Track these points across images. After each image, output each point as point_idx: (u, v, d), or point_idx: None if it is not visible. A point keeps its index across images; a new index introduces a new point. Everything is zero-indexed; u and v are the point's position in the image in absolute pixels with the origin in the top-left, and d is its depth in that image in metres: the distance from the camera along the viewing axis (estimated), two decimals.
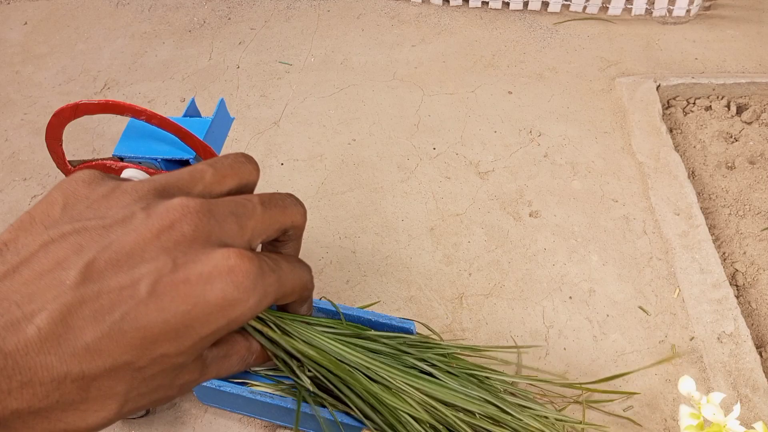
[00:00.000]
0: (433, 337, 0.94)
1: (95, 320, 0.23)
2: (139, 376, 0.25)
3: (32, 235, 0.25)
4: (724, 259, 1.08)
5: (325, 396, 0.77)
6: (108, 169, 0.86)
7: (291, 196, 0.32)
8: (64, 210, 0.26)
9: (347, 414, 0.81)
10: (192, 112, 0.94)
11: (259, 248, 0.32)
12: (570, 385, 0.88)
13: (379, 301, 1.02)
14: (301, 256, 0.34)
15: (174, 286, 0.25)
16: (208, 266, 0.26)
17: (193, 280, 0.25)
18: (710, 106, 1.36)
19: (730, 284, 1.03)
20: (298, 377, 0.60)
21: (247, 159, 0.32)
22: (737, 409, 0.66)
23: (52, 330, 0.23)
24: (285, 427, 0.87)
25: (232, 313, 0.26)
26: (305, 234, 1.05)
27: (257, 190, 0.32)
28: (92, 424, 0.25)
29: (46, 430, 0.24)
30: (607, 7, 1.56)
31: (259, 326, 0.45)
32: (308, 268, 0.33)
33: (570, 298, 1.02)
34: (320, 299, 0.95)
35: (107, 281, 0.24)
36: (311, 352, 0.65)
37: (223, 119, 0.92)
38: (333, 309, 0.90)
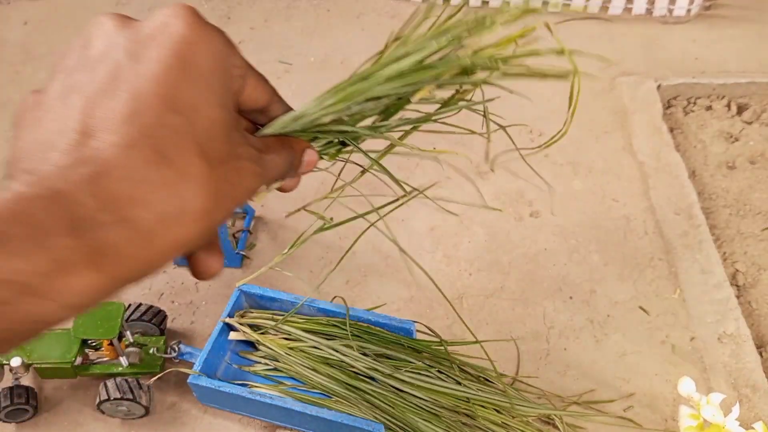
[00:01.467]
0: (433, 337, 0.94)
1: (116, 98, 0.24)
2: (200, 138, 0.24)
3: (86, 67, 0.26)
4: (725, 259, 1.08)
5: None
6: None
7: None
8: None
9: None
10: None
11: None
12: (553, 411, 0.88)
13: (384, 304, 1.02)
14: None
15: (141, 43, 0.25)
16: (155, 18, 0.27)
17: (153, 32, 0.26)
18: (711, 106, 1.35)
19: (731, 284, 1.03)
20: None
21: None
22: (736, 410, 0.66)
23: (88, 124, 0.23)
24: (285, 427, 0.87)
25: (212, 46, 0.27)
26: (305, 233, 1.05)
27: None
28: (195, 194, 0.23)
29: (161, 209, 0.22)
30: (608, 7, 1.56)
31: None
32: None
33: (571, 298, 1.02)
34: (331, 300, 0.95)
35: (97, 77, 0.25)
36: None
37: None
38: (334, 309, 0.90)
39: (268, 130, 0.34)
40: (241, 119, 0.32)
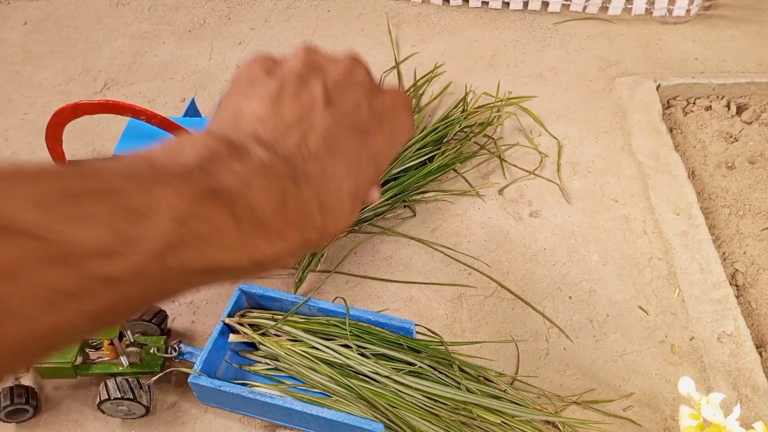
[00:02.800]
0: (433, 337, 0.94)
1: (352, 132, 0.29)
2: (354, 197, 0.28)
3: (260, 95, 0.29)
4: (724, 259, 1.08)
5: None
6: None
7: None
8: (266, 72, 0.30)
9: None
10: (192, 112, 0.94)
11: None
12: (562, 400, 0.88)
13: (387, 309, 1.02)
14: None
15: (378, 111, 0.31)
16: (391, 95, 0.32)
17: (388, 104, 0.31)
18: (710, 106, 1.36)
19: (730, 284, 1.03)
20: None
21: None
22: (737, 410, 0.66)
23: (309, 131, 0.27)
24: (285, 427, 0.87)
25: (409, 135, 0.33)
26: None
27: None
28: (293, 247, 0.26)
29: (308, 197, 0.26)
30: (607, 7, 1.56)
31: None
32: None
33: (570, 298, 1.02)
34: (333, 300, 0.95)
35: (341, 103, 0.29)
36: None
37: None
38: (334, 309, 0.90)
39: None
40: None
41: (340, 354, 0.84)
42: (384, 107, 0.31)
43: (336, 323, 0.88)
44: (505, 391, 0.85)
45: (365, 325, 0.88)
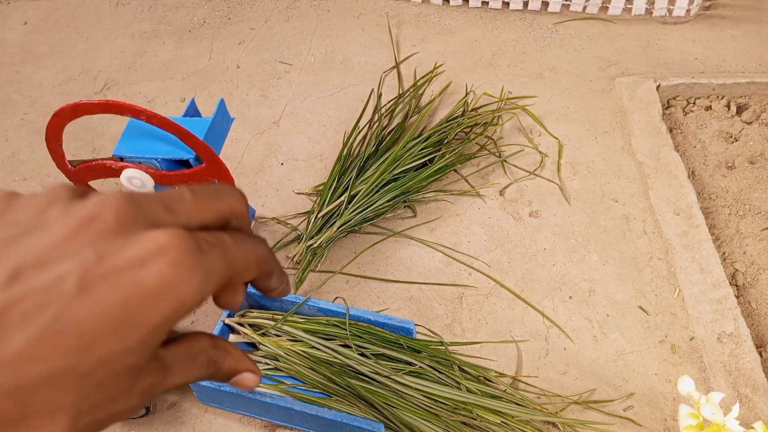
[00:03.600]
0: (433, 337, 0.94)
1: (22, 325, 0.22)
2: (88, 383, 0.23)
3: None
4: (724, 259, 1.08)
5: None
6: (108, 169, 0.86)
7: (226, 184, 0.30)
8: None
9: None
10: (192, 112, 0.94)
11: None
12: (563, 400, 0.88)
13: (387, 309, 1.02)
14: None
15: (104, 276, 0.23)
16: (139, 249, 0.23)
17: (124, 266, 0.23)
18: (710, 106, 1.36)
19: (730, 284, 1.03)
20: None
21: (234, 188, 0.29)
22: (736, 408, 0.66)
23: None
24: (285, 427, 0.87)
25: (176, 297, 0.24)
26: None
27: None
28: None
29: None
30: (607, 7, 1.56)
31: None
32: (261, 240, 0.30)
33: (570, 297, 1.02)
34: (333, 300, 0.95)
35: (29, 284, 0.22)
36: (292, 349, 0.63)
37: (223, 119, 0.92)
38: (334, 309, 0.90)
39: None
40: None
41: (340, 354, 0.84)
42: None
43: (336, 323, 0.88)
44: (505, 390, 0.85)
45: (365, 325, 0.88)
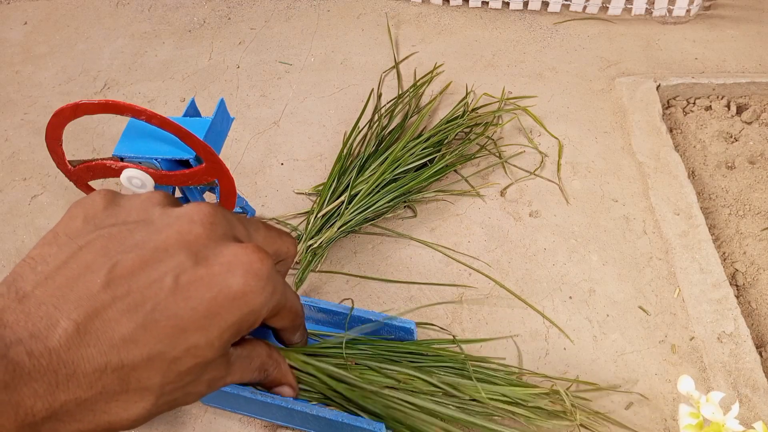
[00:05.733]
0: (435, 335, 0.94)
1: (129, 313, 0.25)
2: (173, 369, 0.26)
3: (59, 247, 0.27)
4: (724, 259, 1.08)
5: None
6: (108, 169, 0.86)
7: (286, 232, 0.36)
8: (86, 222, 0.28)
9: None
10: (192, 112, 0.94)
11: None
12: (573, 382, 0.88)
13: (391, 309, 1.02)
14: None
15: (198, 277, 0.27)
16: (228, 257, 0.28)
17: (215, 271, 0.27)
18: (710, 106, 1.36)
19: (730, 284, 1.03)
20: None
21: (290, 235, 0.35)
22: (736, 407, 0.66)
23: (88, 325, 0.25)
24: (285, 427, 0.87)
25: (252, 302, 0.28)
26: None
27: None
28: (133, 416, 0.26)
29: (92, 423, 0.25)
30: (607, 7, 1.56)
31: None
32: (299, 298, 0.36)
33: (570, 297, 1.02)
34: (340, 302, 0.95)
35: (135, 279, 0.26)
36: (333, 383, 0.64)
37: (223, 119, 0.92)
38: (335, 309, 0.90)
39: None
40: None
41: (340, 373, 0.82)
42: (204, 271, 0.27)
43: (331, 345, 0.84)
44: (516, 377, 0.85)
45: (363, 338, 0.86)
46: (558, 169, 1.21)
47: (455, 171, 1.21)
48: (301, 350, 0.35)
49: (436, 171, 1.15)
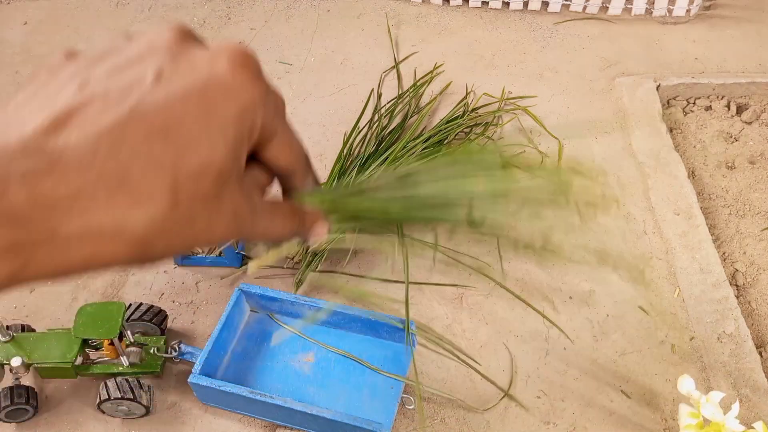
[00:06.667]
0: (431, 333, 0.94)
1: (112, 107, 0.23)
2: (180, 169, 0.23)
3: (36, 78, 0.27)
4: (724, 259, 1.08)
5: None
6: None
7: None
8: (68, 59, 0.29)
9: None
10: None
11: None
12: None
13: (390, 310, 1.02)
14: None
15: (181, 69, 0.24)
16: (211, 51, 0.25)
17: (197, 62, 0.25)
18: (710, 106, 1.36)
19: (730, 284, 1.03)
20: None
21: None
22: (736, 407, 0.66)
23: (67, 120, 0.22)
24: (285, 427, 0.87)
25: (245, 96, 0.25)
26: None
27: None
28: (144, 218, 0.23)
29: (96, 218, 0.22)
30: (607, 7, 1.56)
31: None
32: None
33: (570, 298, 1.02)
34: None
35: (112, 80, 0.24)
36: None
37: None
38: (334, 309, 0.90)
39: (305, 198, 0.34)
40: (257, 175, 0.30)
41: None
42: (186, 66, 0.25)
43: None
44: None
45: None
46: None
47: None
48: (317, 196, 0.32)
49: None
